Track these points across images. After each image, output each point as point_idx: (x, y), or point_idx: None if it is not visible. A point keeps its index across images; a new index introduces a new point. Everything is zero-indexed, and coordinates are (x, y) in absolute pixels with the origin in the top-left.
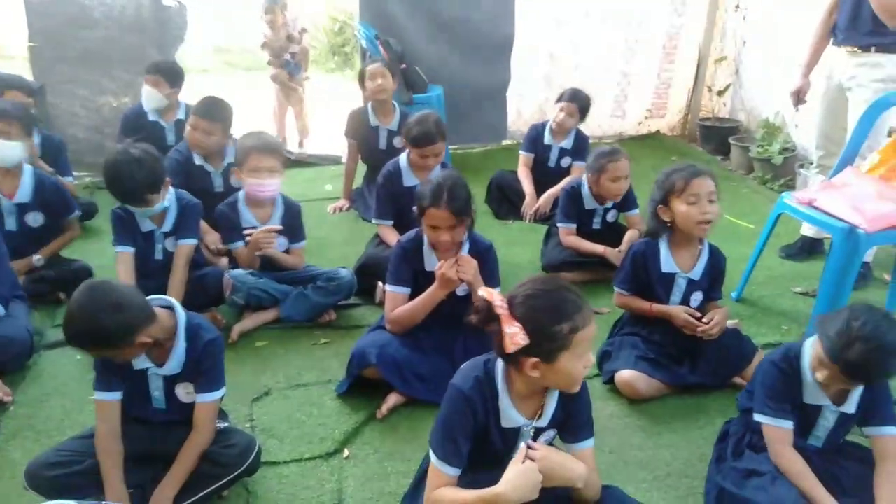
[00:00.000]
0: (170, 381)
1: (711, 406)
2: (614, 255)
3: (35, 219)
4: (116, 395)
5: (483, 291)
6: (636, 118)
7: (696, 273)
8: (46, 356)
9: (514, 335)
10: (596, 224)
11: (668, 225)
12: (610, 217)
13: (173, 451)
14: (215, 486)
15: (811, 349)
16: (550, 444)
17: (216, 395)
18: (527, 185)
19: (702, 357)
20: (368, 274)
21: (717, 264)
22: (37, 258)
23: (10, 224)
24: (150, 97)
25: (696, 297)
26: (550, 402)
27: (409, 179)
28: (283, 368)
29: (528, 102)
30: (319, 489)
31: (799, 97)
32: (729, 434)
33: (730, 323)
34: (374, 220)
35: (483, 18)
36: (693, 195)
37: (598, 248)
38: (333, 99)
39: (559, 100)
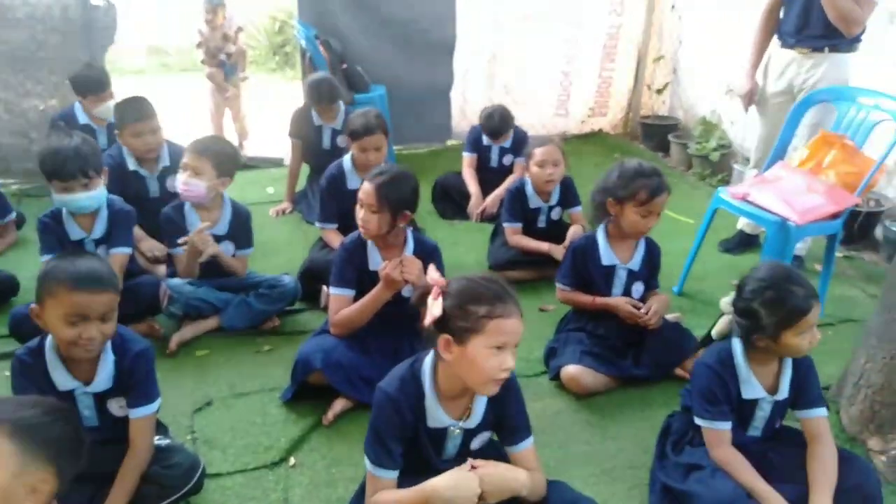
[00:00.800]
0: (100, 398)
1: (656, 398)
2: (559, 251)
3: None
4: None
5: (433, 272)
6: (579, 117)
7: (635, 264)
8: None
9: (433, 306)
10: (541, 222)
11: (611, 217)
12: (555, 215)
13: (111, 469)
14: None
15: (739, 343)
16: (491, 443)
17: (151, 408)
18: (472, 186)
19: (645, 350)
20: (312, 278)
21: (653, 254)
22: None
23: None
24: (109, 111)
25: (637, 288)
26: (479, 402)
27: (354, 182)
28: (226, 377)
29: (472, 102)
30: (265, 499)
31: (750, 99)
32: (671, 429)
33: (672, 316)
34: (317, 225)
35: (425, 18)
36: (649, 211)
37: (543, 246)
38: (274, 99)
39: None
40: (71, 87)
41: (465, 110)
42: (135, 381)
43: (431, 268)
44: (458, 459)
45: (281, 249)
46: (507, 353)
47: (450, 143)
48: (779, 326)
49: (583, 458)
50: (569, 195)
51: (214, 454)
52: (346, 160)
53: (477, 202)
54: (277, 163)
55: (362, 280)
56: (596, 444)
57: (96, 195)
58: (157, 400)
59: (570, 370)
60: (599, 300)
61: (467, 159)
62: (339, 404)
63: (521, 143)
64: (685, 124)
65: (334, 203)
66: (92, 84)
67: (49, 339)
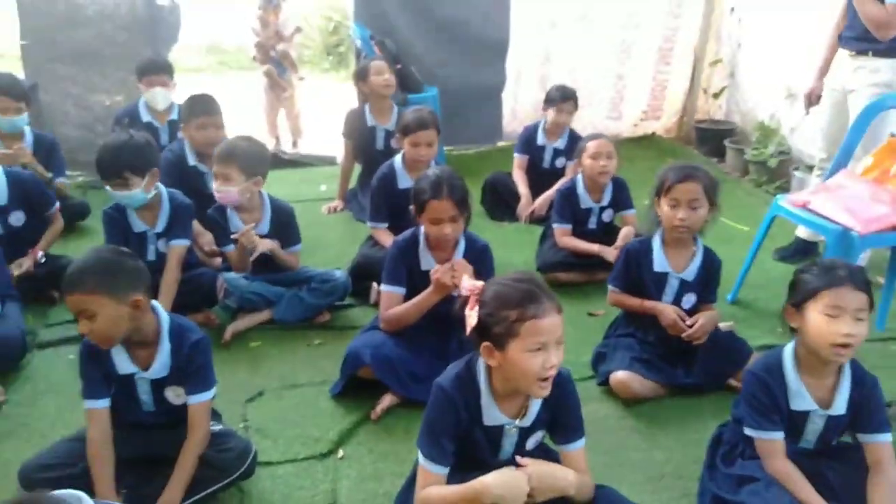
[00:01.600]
0: (157, 385)
1: (706, 408)
2: (610, 253)
3: (17, 218)
4: (105, 402)
5: (466, 281)
6: (632, 120)
7: (689, 274)
8: (39, 355)
9: (470, 316)
10: (592, 224)
11: (660, 220)
12: (606, 217)
13: (165, 453)
14: (211, 489)
15: (790, 353)
16: (540, 444)
17: (207, 395)
18: (522, 187)
19: (696, 358)
20: (363, 275)
21: (710, 266)
22: (40, 254)
23: None
24: (161, 97)
25: (689, 299)
26: (535, 401)
27: (404, 181)
28: (277, 369)
29: (524, 103)
30: (314, 489)
31: (811, 100)
32: (722, 439)
33: (724, 325)
34: (368, 224)
35: (479, 19)
36: (674, 199)
37: (594, 247)
38: (327, 99)
39: (548, 102)
40: (139, 78)
41: (517, 111)
42: (192, 370)
43: (465, 277)
44: (513, 459)
45: (331, 246)
46: (549, 352)
47: (500, 144)
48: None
49: (629, 465)
50: (621, 197)
51: (265, 443)
52: (398, 160)
53: (527, 203)
54: (330, 161)
55: (413, 278)
56: (643, 451)
57: (134, 195)
58: (213, 388)
59: (620, 376)
60: (648, 303)
61: (518, 160)
62: (387, 400)
63: (573, 145)
64: (742, 129)
65: (385, 202)
66: (151, 65)
67: None
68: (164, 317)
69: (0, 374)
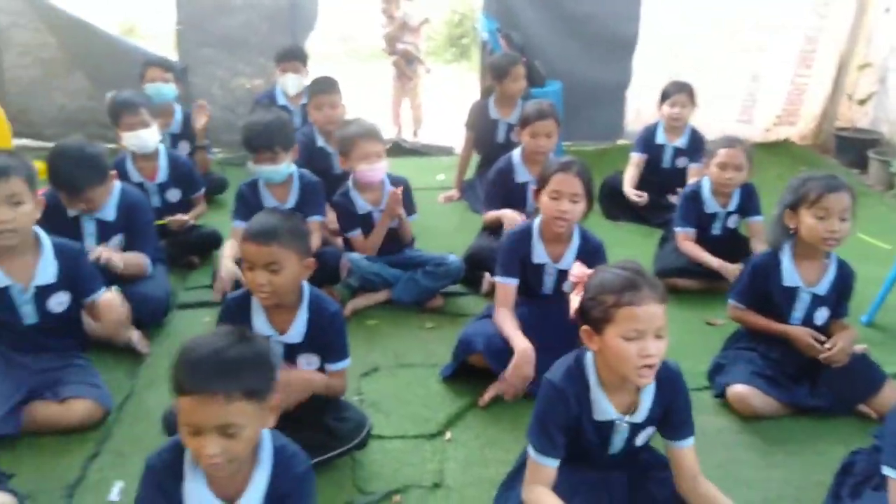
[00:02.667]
0: (291, 350)
1: (832, 431)
2: (731, 271)
3: (174, 195)
4: None
5: (576, 268)
6: (764, 124)
7: (823, 287)
8: (179, 315)
9: (573, 300)
10: (716, 229)
11: (791, 232)
12: (731, 223)
13: (291, 414)
14: (328, 455)
15: None
16: (650, 446)
17: (345, 363)
18: (628, 185)
19: (824, 380)
20: (476, 265)
21: (845, 278)
22: (189, 220)
23: (155, 202)
24: (293, 82)
25: (821, 314)
26: (646, 397)
27: (522, 175)
28: (392, 347)
29: (648, 102)
30: (421, 467)
31: None
32: (853, 468)
33: (857, 347)
34: (483, 215)
35: (608, 15)
36: (823, 209)
37: (714, 262)
38: (449, 90)
39: (664, 97)
40: (276, 64)
41: (640, 110)
42: (329, 340)
43: (576, 264)
44: (624, 456)
45: (446, 234)
46: (647, 341)
47: (620, 143)
48: None
49: (744, 483)
50: (749, 203)
51: (378, 417)
52: (516, 154)
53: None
54: (448, 151)
55: (525, 270)
56: (759, 469)
57: (279, 169)
58: (348, 357)
59: (739, 389)
60: (776, 326)
61: (635, 159)
62: (496, 388)
63: (697, 146)
64: (890, 140)
65: (500, 195)
66: (287, 52)
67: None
68: (305, 286)
69: (146, 330)
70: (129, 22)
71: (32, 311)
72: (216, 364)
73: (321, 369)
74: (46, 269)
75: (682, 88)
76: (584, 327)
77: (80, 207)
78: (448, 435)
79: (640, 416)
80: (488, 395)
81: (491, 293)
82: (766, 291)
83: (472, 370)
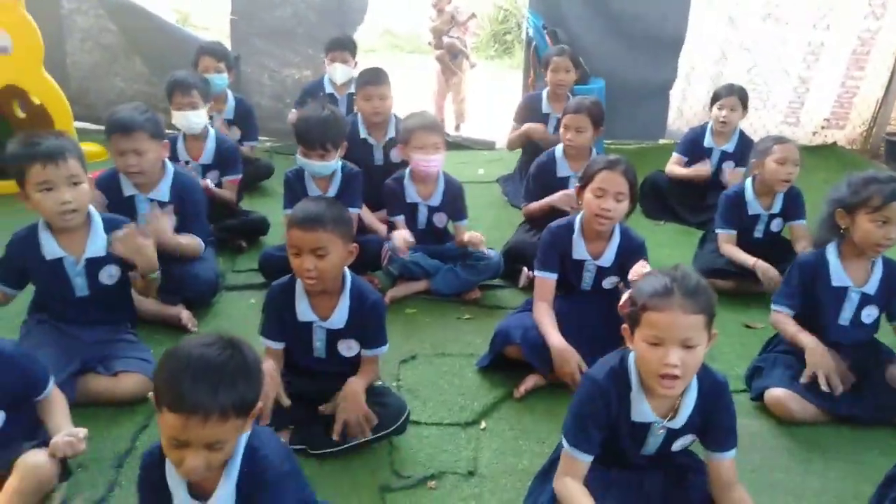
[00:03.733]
0: (332, 335)
1: (873, 441)
2: (767, 274)
3: (213, 176)
4: (280, 345)
5: (638, 267)
6: (811, 127)
7: (871, 287)
8: (226, 296)
9: (623, 295)
10: (758, 232)
11: (841, 231)
12: (774, 226)
13: (330, 395)
14: (366, 439)
15: None
16: (688, 448)
17: (382, 349)
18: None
19: (869, 389)
20: (515, 258)
21: (893, 276)
22: (210, 183)
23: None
24: (341, 72)
25: (870, 313)
26: (686, 403)
27: (564, 170)
28: (430, 337)
29: (692, 103)
30: (456, 454)
31: None
32: None
33: None
34: (522, 207)
35: (655, 14)
36: (885, 217)
37: (749, 261)
38: (491, 85)
39: (714, 100)
40: (325, 54)
41: (683, 110)
42: (370, 327)
43: (641, 262)
44: (658, 458)
45: (485, 228)
46: (668, 350)
47: (662, 142)
48: None
49: (780, 488)
50: (794, 206)
51: (415, 403)
52: (559, 149)
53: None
54: (489, 146)
55: (565, 266)
56: (796, 474)
57: (328, 165)
58: (386, 344)
59: (777, 393)
60: (802, 338)
61: (676, 159)
62: (531, 381)
63: (745, 151)
64: None
65: (540, 188)
66: (336, 43)
67: (298, 280)
68: (348, 273)
69: (195, 309)
70: (182, 10)
71: (84, 283)
72: (212, 383)
73: (358, 355)
74: (96, 243)
75: (733, 91)
76: (624, 326)
77: (131, 156)
78: (483, 424)
79: (679, 422)
80: (524, 386)
81: (529, 287)
82: (813, 292)
83: (509, 362)
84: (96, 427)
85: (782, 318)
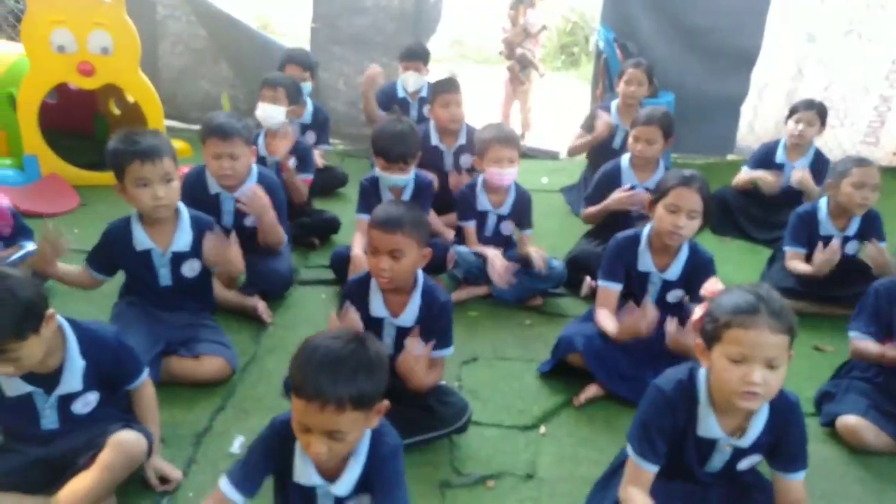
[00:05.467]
0: (401, 333)
1: None
2: (822, 262)
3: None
4: None
5: (709, 283)
6: (891, 147)
7: None
8: (300, 290)
9: (695, 312)
10: None
11: None
12: (850, 249)
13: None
14: (429, 436)
15: None
16: (754, 468)
17: (449, 350)
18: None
19: None
20: (578, 267)
21: None
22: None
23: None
24: (414, 80)
25: None
26: (756, 421)
27: (629, 179)
28: (491, 340)
29: (764, 119)
30: (515, 457)
31: None
32: None
33: None
34: (583, 212)
35: (729, 27)
36: None
37: (801, 268)
38: (557, 97)
39: (791, 113)
40: (400, 62)
41: (755, 126)
42: (437, 327)
43: (713, 279)
44: (723, 476)
45: (547, 236)
46: (752, 367)
47: (730, 157)
48: None
49: None
50: (871, 228)
51: (476, 404)
52: (625, 159)
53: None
54: (553, 156)
55: (629, 277)
56: None
57: (407, 178)
58: (452, 345)
59: (850, 421)
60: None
61: (743, 172)
62: (592, 390)
63: (820, 169)
64: None
65: (602, 197)
66: (410, 52)
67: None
68: (420, 274)
69: (270, 301)
70: (264, 17)
71: (168, 274)
72: (332, 374)
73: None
74: (182, 238)
75: (811, 106)
76: (698, 341)
77: (226, 160)
78: (542, 429)
79: (747, 441)
80: (584, 395)
81: (591, 297)
82: (889, 319)
83: (570, 369)
84: (177, 406)
85: (862, 345)
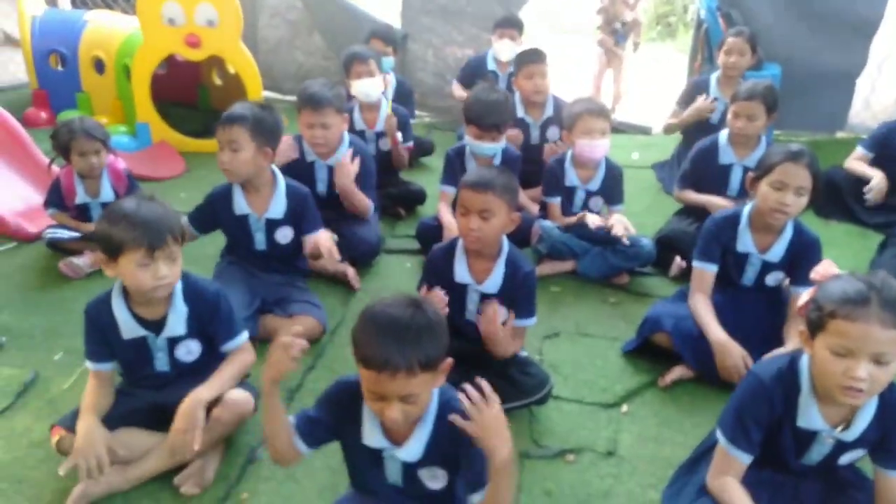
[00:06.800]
0: (485, 299)
1: None
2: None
3: (384, 145)
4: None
5: (821, 266)
6: None
7: None
8: (385, 258)
9: (803, 297)
10: None
11: None
12: None
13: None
14: (509, 405)
15: None
16: (854, 464)
17: (530, 321)
18: (863, 170)
19: None
20: (668, 246)
21: None
22: (399, 136)
23: (371, 148)
24: (509, 48)
25: None
26: (863, 414)
27: (727, 157)
28: (573, 316)
29: (882, 95)
30: (596, 433)
31: None
32: None
33: None
34: (675, 192)
35: None
36: None
37: None
38: (652, 69)
39: None
40: (494, 30)
41: (871, 101)
42: (520, 296)
43: (827, 261)
44: (820, 469)
45: (636, 215)
46: (857, 362)
47: (839, 135)
48: None
49: None
50: None
51: (557, 378)
52: (723, 135)
53: (881, 183)
54: (645, 131)
55: (726, 258)
56: None
57: (499, 147)
58: (534, 317)
59: None
60: None
61: (859, 153)
62: (679, 371)
63: None
64: None
65: (699, 175)
66: (505, 20)
67: (459, 243)
68: (505, 242)
69: (359, 268)
70: None
71: (263, 239)
72: (397, 341)
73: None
74: (277, 206)
75: None
76: (802, 329)
77: (318, 129)
78: (624, 408)
79: (852, 434)
80: (670, 376)
81: (680, 277)
82: None
83: (655, 349)
84: None
85: None
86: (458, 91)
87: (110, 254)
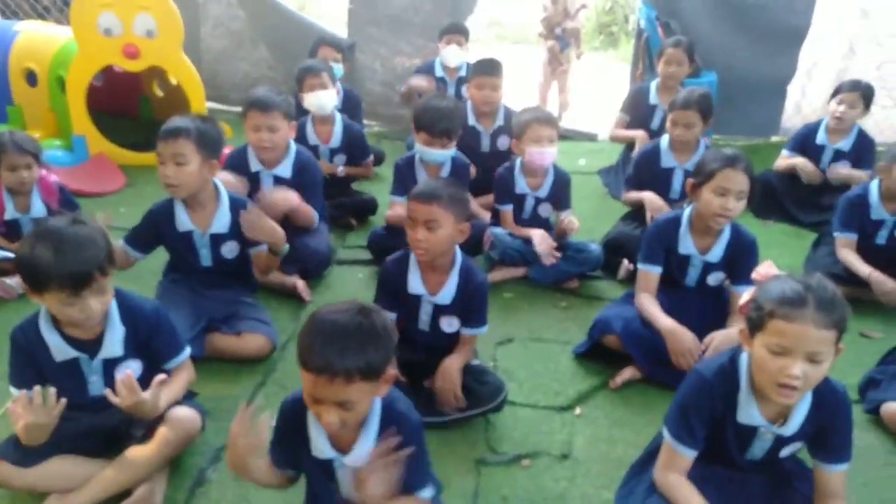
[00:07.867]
0: (437, 310)
1: None
2: (880, 285)
3: (340, 160)
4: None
5: (762, 267)
6: None
7: None
8: (337, 270)
9: (744, 296)
10: (881, 238)
11: None
12: None
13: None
14: (465, 414)
15: None
16: (795, 456)
17: (482, 329)
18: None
19: None
20: (615, 250)
21: None
22: (340, 169)
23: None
24: (455, 54)
25: None
26: (799, 410)
27: (668, 161)
28: (526, 321)
29: (812, 99)
30: (550, 437)
31: None
32: None
33: None
34: (623, 197)
35: (779, 4)
36: None
37: (864, 271)
38: (595, 77)
39: (835, 94)
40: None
41: (802, 106)
42: (472, 306)
43: (768, 262)
44: (764, 463)
45: (584, 219)
46: (791, 360)
47: (774, 139)
48: None
49: None
50: None
51: (511, 385)
52: (664, 140)
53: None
54: (591, 137)
55: (669, 260)
56: None
57: (445, 154)
58: (485, 325)
59: (895, 408)
60: None
61: (784, 155)
62: (628, 372)
63: (862, 151)
64: None
65: (643, 179)
66: (452, 26)
67: (412, 255)
68: (458, 253)
69: (309, 280)
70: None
71: (208, 255)
72: (339, 346)
73: (457, 333)
74: (221, 220)
75: (857, 87)
76: (742, 328)
77: (265, 131)
78: (578, 410)
79: (789, 429)
80: (621, 377)
81: (628, 280)
82: None
83: (606, 351)
84: (221, 381)
85: None
86: (416, 81)
87: (33, 288)
